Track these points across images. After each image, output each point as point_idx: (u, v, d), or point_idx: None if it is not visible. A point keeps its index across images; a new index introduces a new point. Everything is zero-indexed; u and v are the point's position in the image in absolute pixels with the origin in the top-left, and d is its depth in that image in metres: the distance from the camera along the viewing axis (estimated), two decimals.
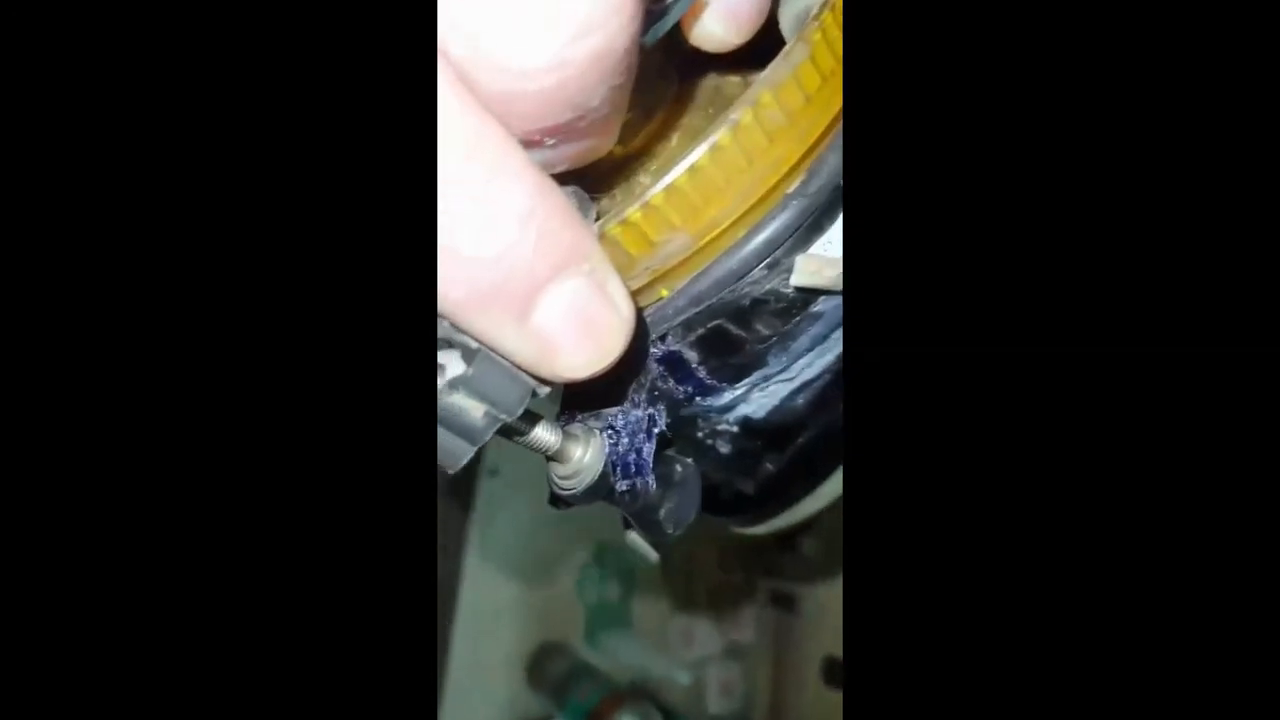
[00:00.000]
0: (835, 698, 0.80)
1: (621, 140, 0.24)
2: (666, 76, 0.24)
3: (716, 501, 0.29)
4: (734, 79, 0.25)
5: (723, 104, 0.25)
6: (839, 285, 0.21)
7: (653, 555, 0.30)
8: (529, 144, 0.16)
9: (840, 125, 0.21)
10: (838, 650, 0.80)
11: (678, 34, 0.21)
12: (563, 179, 0.20)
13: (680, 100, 0.24)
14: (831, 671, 0.81)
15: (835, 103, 0.21)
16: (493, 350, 0.17)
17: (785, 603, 0.89)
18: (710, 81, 0.25)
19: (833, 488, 0.28)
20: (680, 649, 0.90)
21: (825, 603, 0.84)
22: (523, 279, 0.16)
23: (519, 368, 0.18)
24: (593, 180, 0.23)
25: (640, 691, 0.83)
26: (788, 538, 0.85)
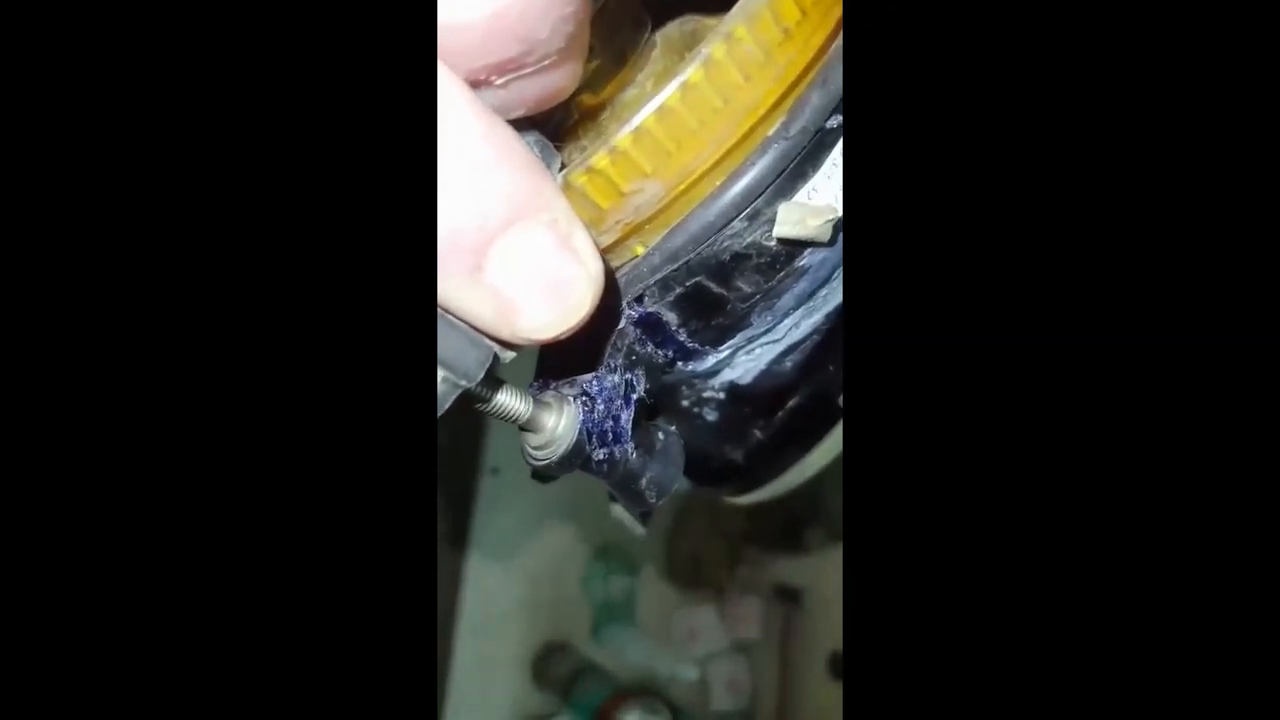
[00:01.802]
0: (841, 693, 0.80)
1: (592, 88, 0.22)
2: (638, 20, 0.23)
3: (706, 471, 0.28)
4: (711, 23, 0.23)
5: None
6: (825, 236, 0.20)
7: (639, 529, 0.29)
8: (476, 84, 0.15)
9: (823, 62, 0.19)
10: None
11: None
12: (524, 125, 0.18)
13: (656, 42, 0.23)
14: (838, 667, 0.81)
15: (816, 38, 0.19)
16: (448, 311, 0.16)
17: (791, 598, 0.88)
18: (687, 25, 0.24)
19: (823, 454, 0.27)
20: (686, 646, 0.90)
21: (831, 598, 0.83)
22: (472, 230, 0.15)
23: (478, 330, 0.17)
24: (562, 130, 0.22)
25: (646, 689, 0.84)
26: (793, 532, 0.85)
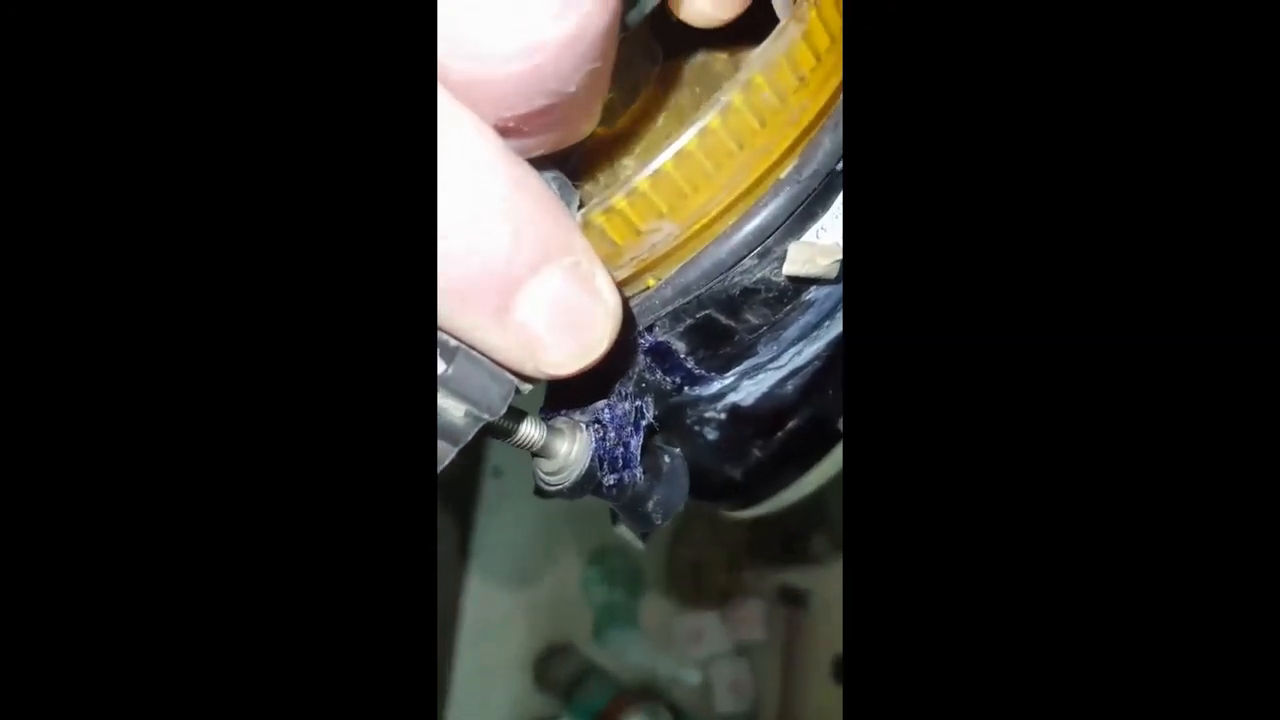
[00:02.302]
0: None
1: (604, 121, 0.23)
2: (650, 54, 0.23)
3: (705, 487, 0.29)
4: (722, 56, 0.24)
5: (710, 82, 0.24)
6: (832, 274, 0.21)
7: (639, 545, 0.29)
8: (503, 131, 0.15)
9: (835, 107, 0.20)
10: None
11: (664, 9, 0.20)
12: (543, 164, 0.19)
13: (665, 79, 0.23)
14: (841, 670, 0.82)
15: (830, 84, 0.20)
16: (473, 348, 0.17)
17: (795, 600, 0.88)
18: (698, 59, 0.24)
19: (820, 474, 0.28)
20: (688, 648, 0.90)
21: (835, 600, 0.84)
22: (501, 274, 0.15)
23: (501, 365, 0.17)
24: (575, 163, 0.23)
25: (649, 691, 0.84)
26: (797, 535, 0.85)
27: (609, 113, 0.23)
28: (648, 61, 0.23)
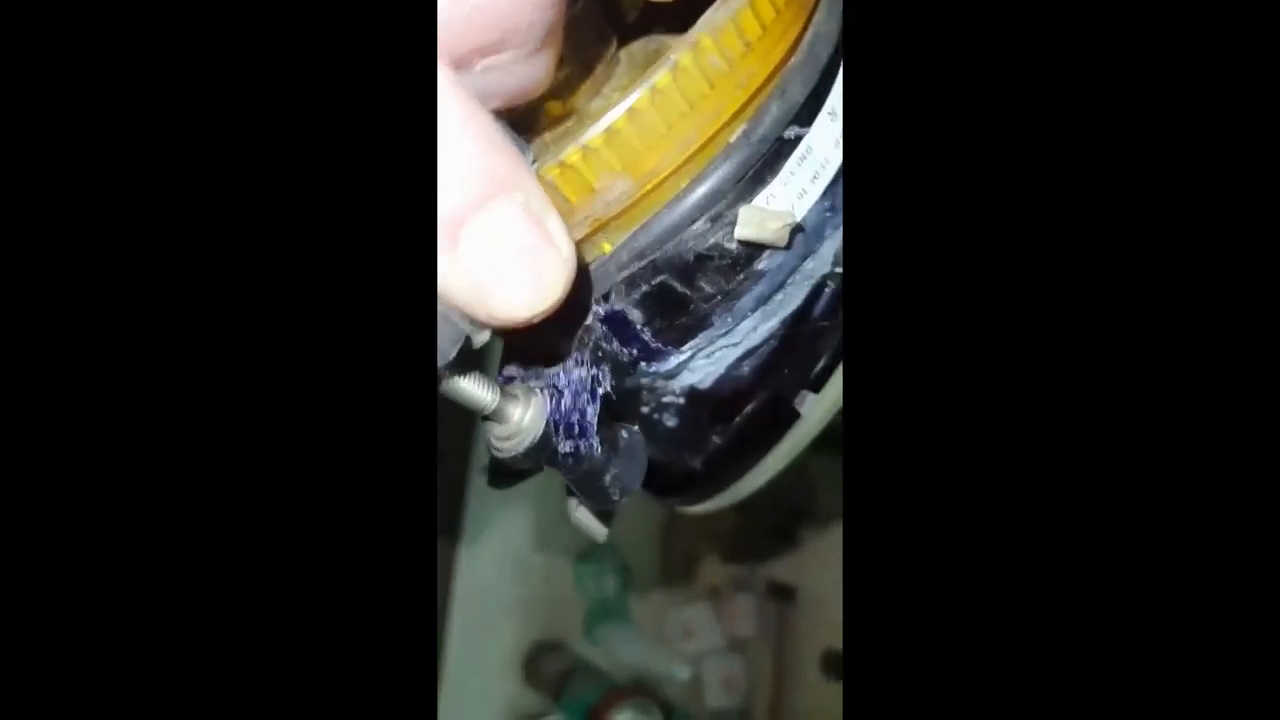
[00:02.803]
0: (835, 690, 0.80)
1: (559, 96, 0.23)
2: (603, 35, 0.24)
3: (665, 479, 0.29)
4: (674, 41, 0.25)
5: None
6: (782, 241, 0.21)
7: (600, 534, 0.29)
8: (459, 64, 0.16)
9: (782, 74, 0.21)
10: (837, 642, 0.80)
11: None
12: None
13: (619, 59, 0.24)
14: (831, 664, 0.81)
15: (775, 53, 0.20)
16: None
17: (784, 595, 0.88)
18: (651, 44, 0.25)
19: (780, 458, 0.28)
20: (679, 643, 0.89)
21: (824, 595, 0.84)
22: (446, 208, 0.15)
23: (452, 313, 0.17)
24: (530, 137, 0.23)
25: (640, 687, 0.82)
26: (785, 529, 0.85)
27: (564, 88, 0.23)
28: (601, 42, 0.24)
